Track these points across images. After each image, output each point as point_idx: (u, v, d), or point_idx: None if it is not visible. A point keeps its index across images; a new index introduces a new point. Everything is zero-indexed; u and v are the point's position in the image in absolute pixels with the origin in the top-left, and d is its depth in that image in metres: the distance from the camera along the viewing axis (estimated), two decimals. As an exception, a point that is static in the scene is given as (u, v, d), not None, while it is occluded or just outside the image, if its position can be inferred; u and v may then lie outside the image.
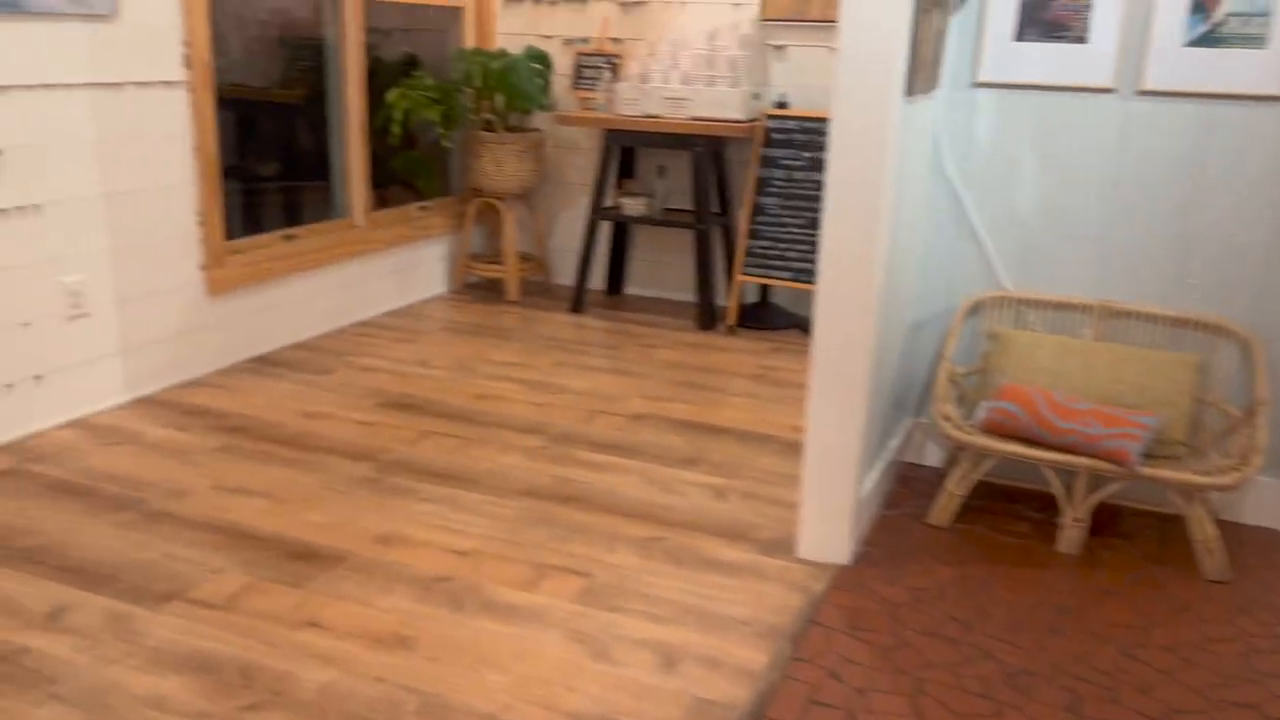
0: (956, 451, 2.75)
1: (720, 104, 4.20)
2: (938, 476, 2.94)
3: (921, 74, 2.41)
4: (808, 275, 4.24)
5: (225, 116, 4.24)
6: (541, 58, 4.42)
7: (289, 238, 3.95)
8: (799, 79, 4.41)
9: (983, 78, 2.80)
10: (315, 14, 4.21)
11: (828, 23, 4.27)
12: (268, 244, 3.84)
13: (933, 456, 3.06)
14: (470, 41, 4.86)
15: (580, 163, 4.91)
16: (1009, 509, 2.78)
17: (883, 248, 2.29)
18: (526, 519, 2.60)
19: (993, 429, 2.56)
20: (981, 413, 2.61)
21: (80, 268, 3.06)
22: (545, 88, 4.42)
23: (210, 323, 3.55)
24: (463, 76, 4.48)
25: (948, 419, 2.61)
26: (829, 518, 2.43)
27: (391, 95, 4.26)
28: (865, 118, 2.21)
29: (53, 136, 2.92)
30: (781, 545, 2.52)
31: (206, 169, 3.42)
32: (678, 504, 2.72)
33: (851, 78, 2.20)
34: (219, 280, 3.53)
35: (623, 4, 4.62)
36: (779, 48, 4.41)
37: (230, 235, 3.66)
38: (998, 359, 2.80)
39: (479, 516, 2.61)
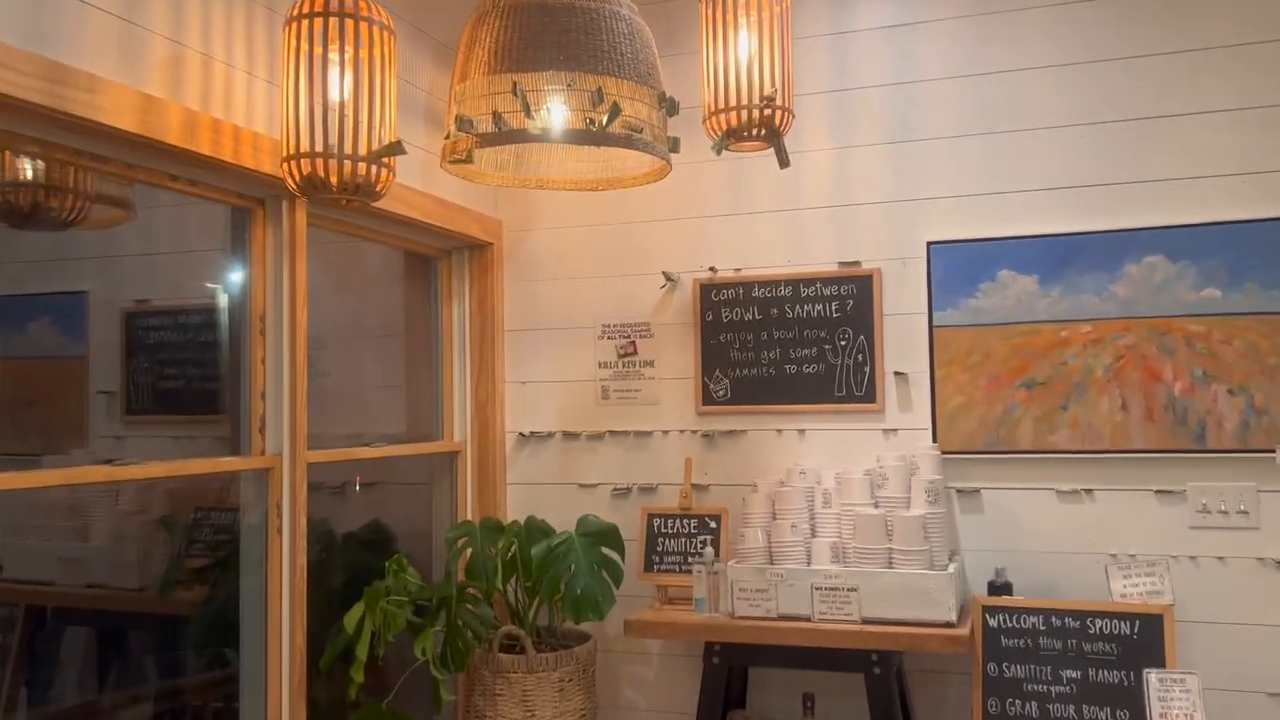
0: None
1: (913, 594, 2.50)
2: None
3: None
4: None
5: (68, 637, 2.53)
6: (608, 535, 2.71)
7: None
8: (1009, 542, 2.76)
9: None
10: (225, 479, 2.52)
11: (1050, 454, 2.73)
12: None
13: None
14: (468, 499, 3.18)
15: (650, 680, 3.07)
16: None
17: None
18: None
19: None
20: None
21: None
22: (615, 583, 2.68)
23: None
24: (469, 570, 2.73)
25: None
26: None
27: (352, 614, 2.46)
28: None
29: None
30: None
31: None
32: None
33: None
34: None
35: (706, 435, 3.05)
36: (968, 493, 2.82)
37: None
38: None
39: None
